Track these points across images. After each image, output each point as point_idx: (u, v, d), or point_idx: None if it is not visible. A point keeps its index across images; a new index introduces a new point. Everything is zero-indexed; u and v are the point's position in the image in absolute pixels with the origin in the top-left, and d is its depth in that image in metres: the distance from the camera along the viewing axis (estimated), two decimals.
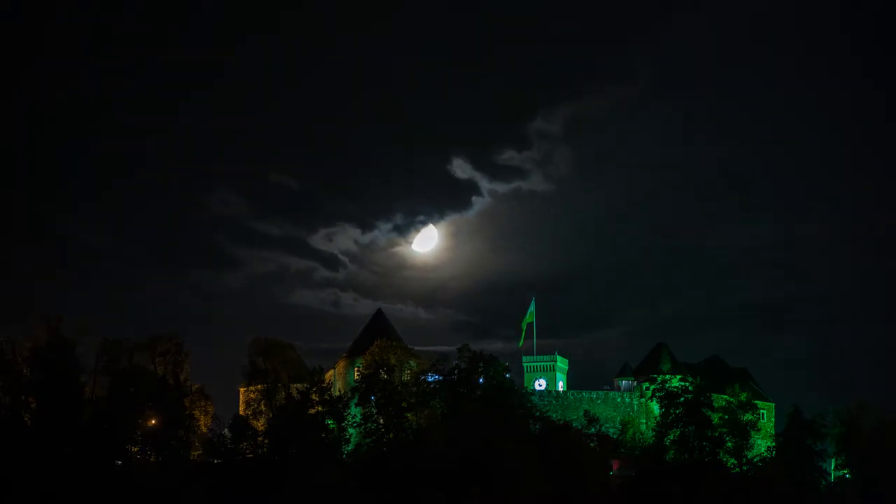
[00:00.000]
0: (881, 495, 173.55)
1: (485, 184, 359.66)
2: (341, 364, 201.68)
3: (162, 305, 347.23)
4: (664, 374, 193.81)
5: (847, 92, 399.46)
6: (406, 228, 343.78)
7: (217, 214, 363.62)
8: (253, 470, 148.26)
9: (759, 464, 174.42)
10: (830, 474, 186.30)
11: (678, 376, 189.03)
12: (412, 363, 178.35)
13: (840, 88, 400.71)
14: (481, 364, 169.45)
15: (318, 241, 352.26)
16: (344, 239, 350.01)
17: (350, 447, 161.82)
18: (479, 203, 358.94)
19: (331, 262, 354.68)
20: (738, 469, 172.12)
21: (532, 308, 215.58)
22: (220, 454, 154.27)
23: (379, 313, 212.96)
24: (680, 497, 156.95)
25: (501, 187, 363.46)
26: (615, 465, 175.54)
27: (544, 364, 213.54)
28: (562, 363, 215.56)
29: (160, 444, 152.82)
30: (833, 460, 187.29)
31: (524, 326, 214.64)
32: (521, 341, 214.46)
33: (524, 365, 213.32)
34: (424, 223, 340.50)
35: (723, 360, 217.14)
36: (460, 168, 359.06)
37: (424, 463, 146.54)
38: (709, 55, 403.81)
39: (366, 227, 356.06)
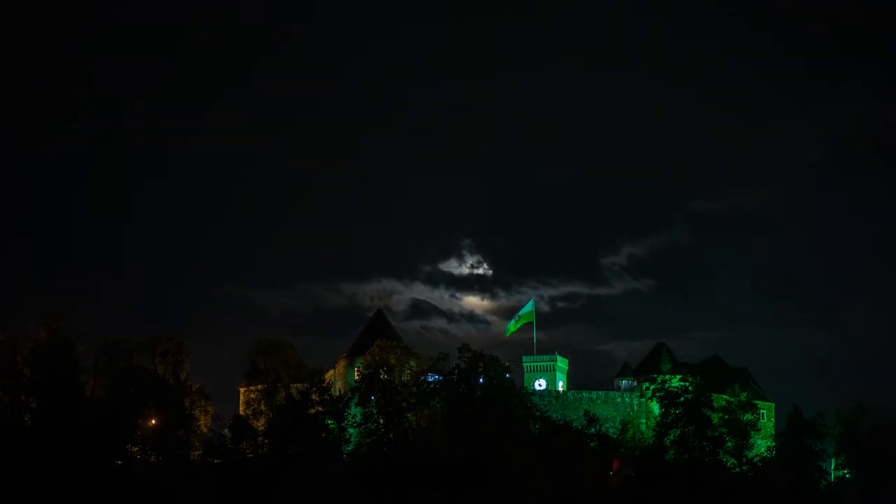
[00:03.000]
0: (881, 495, 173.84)
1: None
2: (341, 364, 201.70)
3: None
4: (664, 374, 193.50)
5: None
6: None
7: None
8: (253, 470, 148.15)
9: (759, 464, 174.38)
10: (830, 474, 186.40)
11: (678, 376, 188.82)
12: (412, 363, 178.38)
13: None
14: (481, 364, 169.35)
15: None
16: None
17: (350, 447, 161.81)
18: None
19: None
20: (738, 469, 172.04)
21: (531, 307, 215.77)
22: (221, 454, 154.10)
23: (379, 314, 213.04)
24: (680, 497, 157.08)
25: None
26: (615, 465, 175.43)
27: (544, 364, 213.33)
28: (562, 363, 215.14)
29: (160, 444, 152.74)
30: (833, 460, 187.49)
31: (515, 318, 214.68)
32: (508, 332, 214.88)
33: (524, 365, 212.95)
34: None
35: (723, 360, 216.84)
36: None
37: (424, 463, 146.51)
38: None
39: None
